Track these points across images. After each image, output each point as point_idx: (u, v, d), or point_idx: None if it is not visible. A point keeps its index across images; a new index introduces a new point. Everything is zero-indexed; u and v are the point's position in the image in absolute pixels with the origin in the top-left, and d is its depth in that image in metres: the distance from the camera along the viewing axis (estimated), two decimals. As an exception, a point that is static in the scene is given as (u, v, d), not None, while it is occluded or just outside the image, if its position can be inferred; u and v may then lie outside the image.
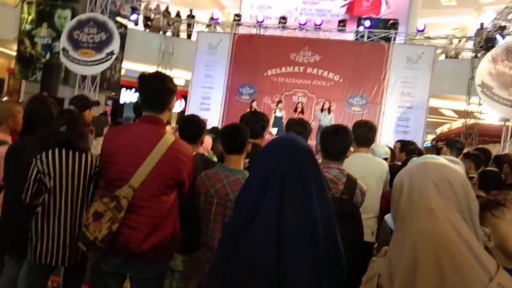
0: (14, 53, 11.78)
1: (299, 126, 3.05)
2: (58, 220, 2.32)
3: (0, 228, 2.57)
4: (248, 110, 10.18)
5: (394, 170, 3.11)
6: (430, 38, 11.74)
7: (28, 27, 11.38)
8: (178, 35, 13.58)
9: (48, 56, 11.13)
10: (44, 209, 2.33)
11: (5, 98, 10.46)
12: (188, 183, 2.19)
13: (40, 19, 11.32)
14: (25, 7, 11.35)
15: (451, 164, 1.34)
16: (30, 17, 11.36)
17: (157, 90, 2.10)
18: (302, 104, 10.19)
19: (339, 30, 12.22)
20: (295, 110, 9.85)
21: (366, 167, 3.00)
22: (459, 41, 12.75)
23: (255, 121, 2.89)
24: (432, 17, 15.82)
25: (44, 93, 6.15)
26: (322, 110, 9.90)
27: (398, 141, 6.05)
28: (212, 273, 1.52)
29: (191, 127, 2.69)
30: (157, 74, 2.17)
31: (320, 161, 2.63)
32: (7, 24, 11.15)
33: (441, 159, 1.53)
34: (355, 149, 3.09)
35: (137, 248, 2.02)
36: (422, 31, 11.43)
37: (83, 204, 2.35)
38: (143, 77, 2.12)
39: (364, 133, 3.10)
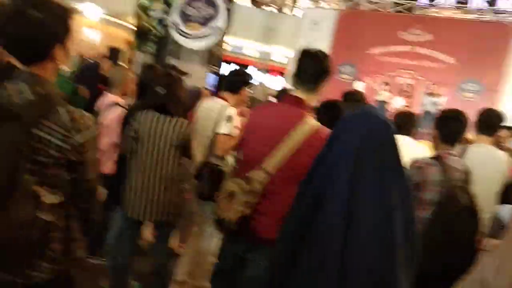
0: (132, 27, 12.82)
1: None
2: (136, 179, 2.50)
3: (114, 182, 2.87)
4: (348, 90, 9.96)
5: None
6: None
7: (144, 1, 12.26)
8: (281, 11, 13.53)
9: (160, 29, 11.92)
10: (130, 166, 2.54)
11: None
12: None
13: (155, -6, 12.11)
14: (143, -17, 12.23)
15: None
16: (146, -8, 12.23)
17: (315, 67, 1.98)
18: (412, 87, 9.53)
19: (457, 8, 11.08)
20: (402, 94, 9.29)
21: (487, 159, 2.70)
22: None
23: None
24: None
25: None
26: (429, 94, 9.17)
27: None
28: (278, 250, 1.50)
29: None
30: (320, 51, 2.03)
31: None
32: (127, -1, 12.13)
33: None
34: (476, 137, 2.84)
35: (265, 235, 1.88)
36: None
37: (163, 168, 2.46)
38: (307, 52, 2.02)
39: (489, 119, 2.84)
